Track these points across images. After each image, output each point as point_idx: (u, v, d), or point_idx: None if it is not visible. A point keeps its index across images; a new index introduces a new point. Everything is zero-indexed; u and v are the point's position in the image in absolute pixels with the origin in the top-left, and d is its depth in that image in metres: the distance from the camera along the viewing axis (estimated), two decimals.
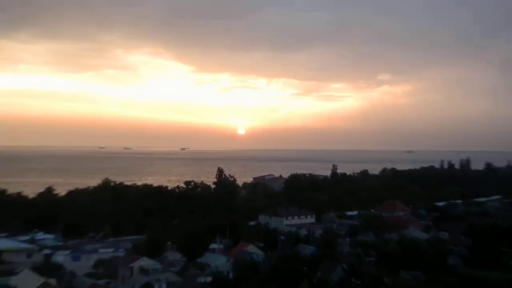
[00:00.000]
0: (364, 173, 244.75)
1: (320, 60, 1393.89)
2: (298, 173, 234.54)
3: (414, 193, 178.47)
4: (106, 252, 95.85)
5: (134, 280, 69.86)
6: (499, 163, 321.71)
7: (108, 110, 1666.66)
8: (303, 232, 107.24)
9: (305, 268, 68.46)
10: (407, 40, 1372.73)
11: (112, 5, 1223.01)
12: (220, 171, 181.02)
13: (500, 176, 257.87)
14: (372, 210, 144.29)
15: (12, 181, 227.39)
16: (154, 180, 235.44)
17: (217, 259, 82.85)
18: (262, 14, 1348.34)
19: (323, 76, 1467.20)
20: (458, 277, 59.26)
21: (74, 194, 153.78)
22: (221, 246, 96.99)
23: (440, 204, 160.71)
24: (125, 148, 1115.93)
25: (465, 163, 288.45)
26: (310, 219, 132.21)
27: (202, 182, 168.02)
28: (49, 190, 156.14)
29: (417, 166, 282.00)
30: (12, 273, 72.18)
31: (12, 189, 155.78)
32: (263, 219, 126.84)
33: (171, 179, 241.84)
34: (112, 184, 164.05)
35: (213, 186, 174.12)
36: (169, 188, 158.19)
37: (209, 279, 69.31)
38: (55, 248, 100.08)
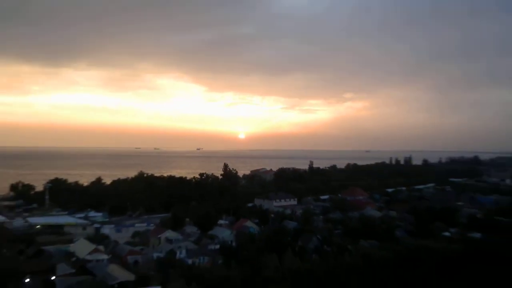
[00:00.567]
0: (333, 167, 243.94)
1: (301, 82, 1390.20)
2: (284, 167, 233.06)
3: (370, 183, 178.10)
4: (140, 226, 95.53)
5: (162, 247, 69.70)
6: (433, 160, 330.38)
7: (142, 120, 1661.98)
8: (288, 211, 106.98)
9: (289, 238, 68.14)
10: (365, 67, 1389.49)
11: (147, 43, 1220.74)
12: (225, 166, 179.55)
13: (434, 170, 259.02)
14: (339, 195, 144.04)
15: (71, 173, 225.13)
16: (176, 173, 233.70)
17: (224, 232, 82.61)
18: (256, 49, 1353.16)
19: (303, 94, 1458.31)
20: (403, 245, 59.28)
21: (116, 183, 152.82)
22: (227, 222, 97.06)
23: (389, 190, 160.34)
24: (155, 148, 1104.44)
25: (408, 160, 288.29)
26: (293, 202, 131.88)
27: (212, 174, 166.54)
28: (98, 179, 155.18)
29: (373, 162, 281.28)
30: (71, 241, 73.41)
31: (71, 179, 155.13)
32: (258, 201, 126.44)
33: (189, 172, 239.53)
34: (145, 175, 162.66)
35: (220, 177, 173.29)
36: (188, 178, 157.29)
37: (217, 246, 69.22)
38: (103, 223, 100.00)
